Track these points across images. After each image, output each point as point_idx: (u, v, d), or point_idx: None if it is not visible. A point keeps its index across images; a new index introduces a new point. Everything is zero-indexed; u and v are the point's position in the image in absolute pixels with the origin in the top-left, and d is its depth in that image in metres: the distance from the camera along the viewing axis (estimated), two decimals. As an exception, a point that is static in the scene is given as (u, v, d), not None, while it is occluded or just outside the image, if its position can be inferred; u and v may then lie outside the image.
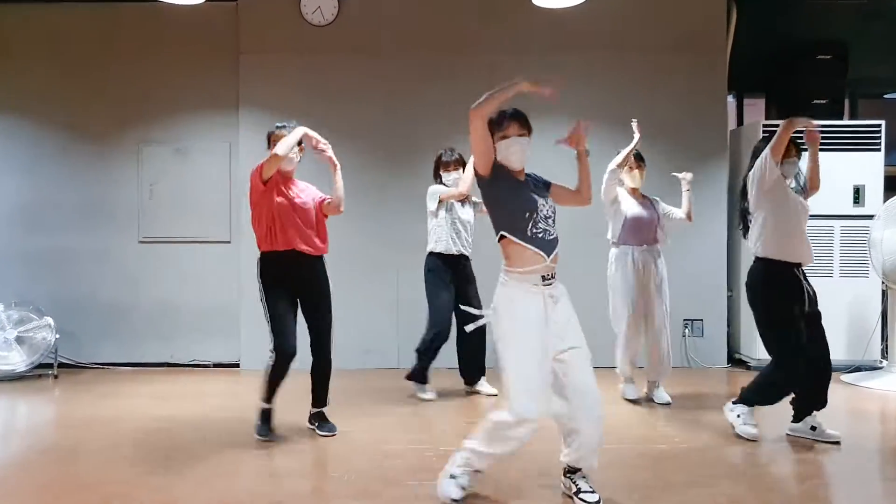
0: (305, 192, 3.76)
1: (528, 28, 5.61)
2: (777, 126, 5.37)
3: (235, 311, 5.57)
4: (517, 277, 2.69)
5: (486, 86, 5.96)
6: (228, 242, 5.68)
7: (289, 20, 5.64)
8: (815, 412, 3.62)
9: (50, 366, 5.28)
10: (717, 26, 5.71)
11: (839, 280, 5.42)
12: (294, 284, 3.65)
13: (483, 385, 4.60)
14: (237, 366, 5.61)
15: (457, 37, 5.70)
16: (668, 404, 4.38)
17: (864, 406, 4.49)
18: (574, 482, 2.80)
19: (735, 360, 5.76)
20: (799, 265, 3.53)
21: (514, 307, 2.68)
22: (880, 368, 5.19)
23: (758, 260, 3.57)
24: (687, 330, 5.66)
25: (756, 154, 3.67)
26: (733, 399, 3.70)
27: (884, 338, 5.30)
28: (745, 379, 5.18)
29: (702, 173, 5.69)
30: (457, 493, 2.72)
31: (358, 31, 5.67)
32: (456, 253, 4.50)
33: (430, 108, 5.64)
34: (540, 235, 2.68)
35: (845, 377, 5.15)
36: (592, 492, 2.74)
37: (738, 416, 3.63)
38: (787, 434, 3.70)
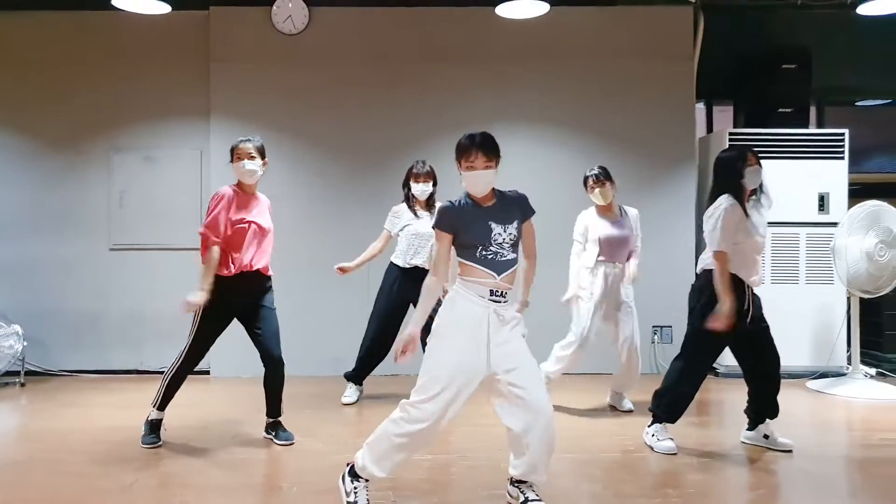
0: (264, 213, 3.77)
1: (494, 37, 5.65)
2: (743, 134, 5.49)
3: (205, 318, 5.56)
4: (466, 285, 2.72)
5: (450, 95, 6.07)
6: (199, 250, 5.65)
7: (260, 29, 5.67)
8: (767, 420, 3.66)
9: (17, 373, 5.27)
10: (684, 35, 5.76)
11: (805, 287, 5.46)
12: (241, 304, 3.69)
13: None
14: (207, 373, 5.61)
15: (424, 46, 5.73)
16: (629, 411, 4.42)
17: (828, 413, 4.52)
18: (522, 491, 2.82)
19: (704, 366, 5.80)
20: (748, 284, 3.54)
21: (455, 311, 2.71)
22: (845, 375, 5.22)
23: (710, 271, 3.57)
24: (656, 336, 5.70)
25: (718, 166, 3.64)
26: (649, 423, 3.70)
27: (849, 344, 5.34)
28: (715, 386, 5.29)
29: (671, 181, 5.76)
30: None
31: (328, 41, 5.69)
32: (410, 266, 4.53)
33: (398, 116, 5.68)
34: (490, 257, 2.70)
35: (811, 384, 5.19)
36: (539, 500, 2.77)
37: (654, 435, 3.64)
38: (742, 442, 3.74)
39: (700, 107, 6.25)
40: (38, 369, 5.52)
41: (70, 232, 5.70)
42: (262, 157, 3.70)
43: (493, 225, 2.72)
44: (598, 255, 4.31)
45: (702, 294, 3.56)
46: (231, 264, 3.60)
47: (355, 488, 2.77)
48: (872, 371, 5.34)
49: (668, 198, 5.72)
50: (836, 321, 5.38)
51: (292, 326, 5.52)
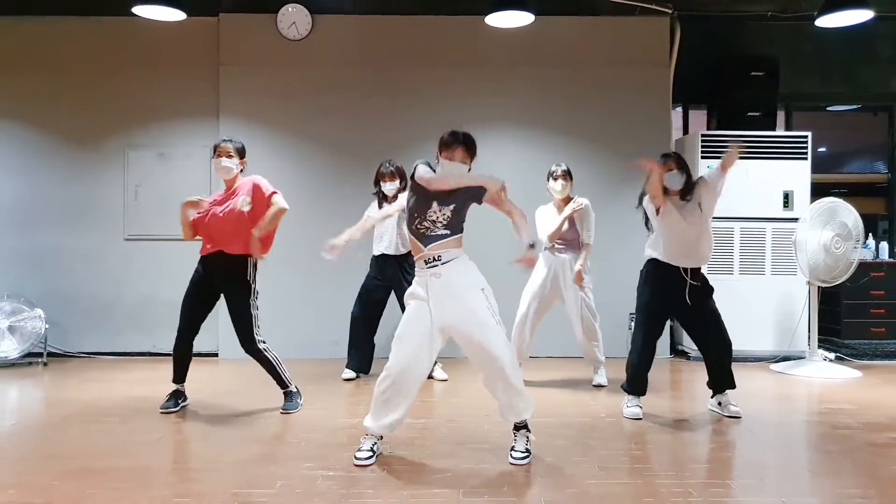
0: (234, 200, 4.01)
1: (483, 45, 6.08)
2: (715, 136, 5.93)
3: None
4: (415, 261, 3.24)
5: (443, 98, 6.48)
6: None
7: (266, 35, 6.09)
8: (727, 392, 4.10)
9: (40, 354, 5.68)
10: (662, 43, 6.19)
11: (770, 278, 5.90)
12: (212, 282, 4.09)
13: (437, 371, 5.04)
14: (216, 355, 6.03)
15: (418, 53, 6.15)
16: (602, 386, 4.85)
17: (784, 390, 4.95)
18: (515, 439, 3.25)
19: (678, 351, 6.24)
20: (685, 268, 3.97)
21: (414, 284, 3.22)
22: (805, 358, 5.65)
23: (647, 259, 4.10)
24: (632, 323, 6.10)
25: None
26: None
27: (809, 330, 5.77)
28: (686, 367, 5.74)
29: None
30: (359, 461, 3.12)
31: (330, 47, 6.12)
32: (378, 254, 5.01)
33: (395, 117, 6.10)
34: (422, 231, 3.14)
35: (773, 366, 5.63)
36: (522, 454, 3.17)
37: (625, 403, 4.11)
38: (709, 409, 4.19)
39: (678, 111, 6.69)
40: (58, 351, 5.93)
41: (88, 223, 6.11)
42: (241, 156, 4.06)
43: (434, 203, 3.12)
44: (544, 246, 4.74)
45: (643, 277, 4.10)
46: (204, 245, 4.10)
47: (364, 438, 3.24)
48: (831, 355, 5.77)
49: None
50: (798, 309, 5.81)
51: (297, 313, 5.99)
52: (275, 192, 4.02)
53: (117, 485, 2.88)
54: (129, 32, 6.08)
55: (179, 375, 4.19)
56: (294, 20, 6.06)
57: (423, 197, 3.14)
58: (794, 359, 5.71)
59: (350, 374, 5.10)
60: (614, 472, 3.07)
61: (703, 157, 5.85)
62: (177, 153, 6.15)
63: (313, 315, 6.04)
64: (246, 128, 5.92)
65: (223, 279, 4.05)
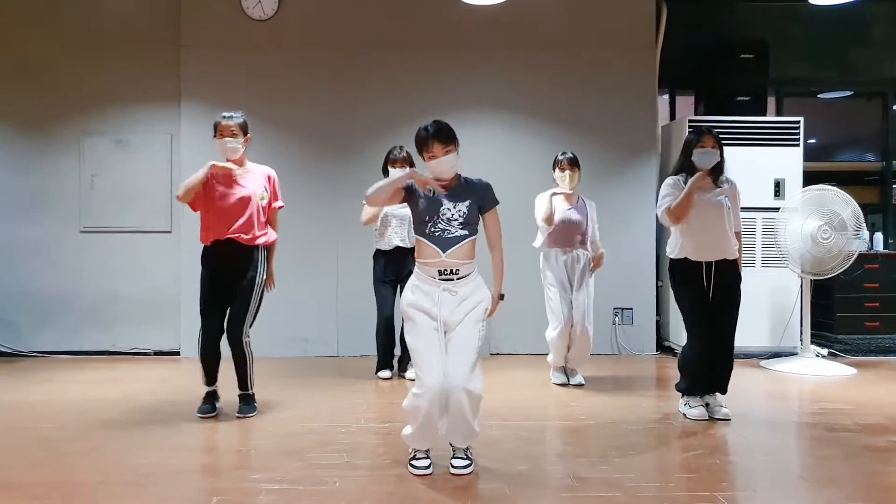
0: (250, 182, 3.79)
1: (459, 26, 5.77)
2: (702, 121, 5.66)
3: (176, 299, 5.66)
4: (420, 267, 2.91)
5: (418, 81, 6.16)
6: (169, 232, 5.78)
7: (230, 14, 5.75)
8: (717, 394, 3.82)
9: (-13, 353, 5.35)
10: (647, 26, 5.91)
11: (761, 270, 5.64)
12: (224, 271, 3.76)
13: (409, 372, 4.75)
14: (178, 353, 5.70)
15: (391, 33, 5.84)
16: (580, 385, 4.57)
17: (775, 387, 4.71)
18: (454, 450, 2.94)
19: (664, 347, 5.97)
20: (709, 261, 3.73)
21: (415, 292, 2.90)
22: (797, 354, 5.40)
23: (671, 260, 3.88)
24: (617, 318, 5.86)
25: (686, 146, 3.81)
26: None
27: (801, 325, 5.52)
28: (672, 364, 5.45)
29: (632, 167, 5.92)
30: (419, 471, 2.87)
31: (298, 26, 5.79)
32: (391, 248, 4.69)
33: (367, 101, 5.79)
34: (437, 234, 2.85)
35: (764, 362, 5.38)
36: (465, 461, 2.89)
37: (685, 404, 3.83)
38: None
39: (665, 97, 6.42)
40: (8, 350, 5.59)
41: (41, 214, 5.77)
42: (245, 133, 3.82)
43: (444, 200, 2.87)
44: (551, 241, 4.50)
45: (674, 278, 3.87)
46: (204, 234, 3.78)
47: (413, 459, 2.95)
48: (824, 351, 5.53)
49: (630, 184, 5.88)
50: (790, 303, 5.56)
51: (264, 310, 5.65)
52: (282, 206, 3.96)
53: (36, 502, 2.57)
54: (85, 11, 5.74)
55: (211, 377, 3.85)
56: (260, -1, 5.73)
57: (428, 197, 2.87)
58: (786, 355, 5.46)
59: (387, 373, 4.85)
60: (591, 484, 2.78)
61: (690, 144, 5.56)
62: (136, 140, 5.81)
63: (283, 311, 5.73)
64: (210, 113, 5.51)
65: (235, 267, 3.75)
